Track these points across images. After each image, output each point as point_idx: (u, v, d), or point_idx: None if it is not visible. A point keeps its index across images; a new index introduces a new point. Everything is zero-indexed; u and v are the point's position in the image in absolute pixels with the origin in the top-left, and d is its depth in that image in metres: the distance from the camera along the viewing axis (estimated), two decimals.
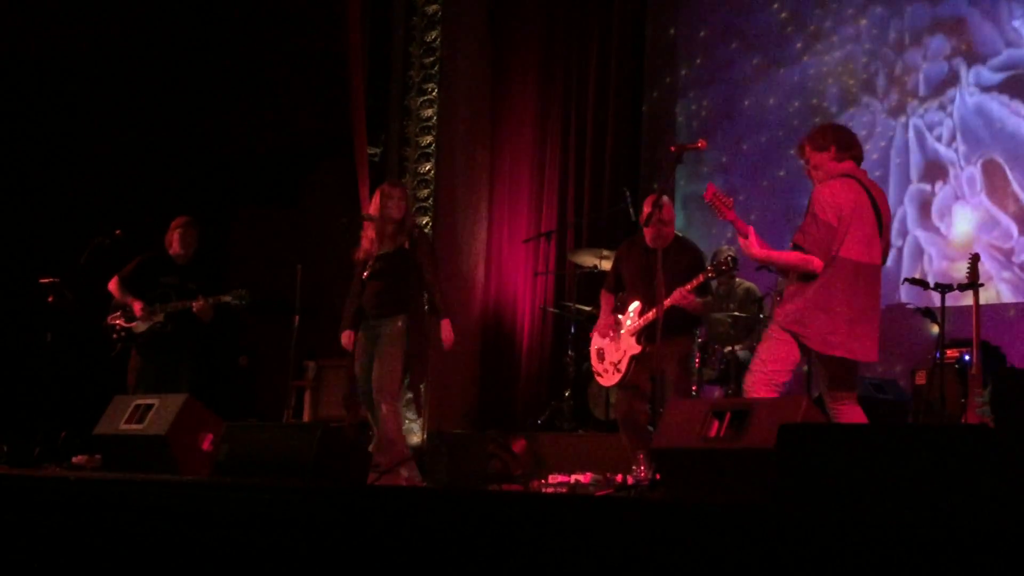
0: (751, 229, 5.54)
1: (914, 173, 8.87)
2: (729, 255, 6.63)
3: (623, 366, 6.73)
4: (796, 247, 5.41)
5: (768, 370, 5.31)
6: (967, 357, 6.89)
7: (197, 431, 6.19)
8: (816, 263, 5.32)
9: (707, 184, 5.79)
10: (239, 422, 6.14)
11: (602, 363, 6.90)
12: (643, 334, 6.62)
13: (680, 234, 6.98)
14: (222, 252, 10.60)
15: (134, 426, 6.28)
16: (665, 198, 6.67)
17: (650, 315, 6.53)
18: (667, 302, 6.30)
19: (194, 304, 7.69)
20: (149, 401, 6.42)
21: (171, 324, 7.77)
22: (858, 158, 5.57)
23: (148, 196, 10.04)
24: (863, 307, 5.36)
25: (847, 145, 5.54)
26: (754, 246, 5.50)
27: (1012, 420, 6.67)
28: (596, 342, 6.99)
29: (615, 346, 6.81)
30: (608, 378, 6.88)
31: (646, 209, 6.66)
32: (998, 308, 8.18)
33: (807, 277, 5.35)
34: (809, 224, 5.37)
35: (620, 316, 6.83)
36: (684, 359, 6.86)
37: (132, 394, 7.45)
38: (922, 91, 8.91)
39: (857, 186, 5.42)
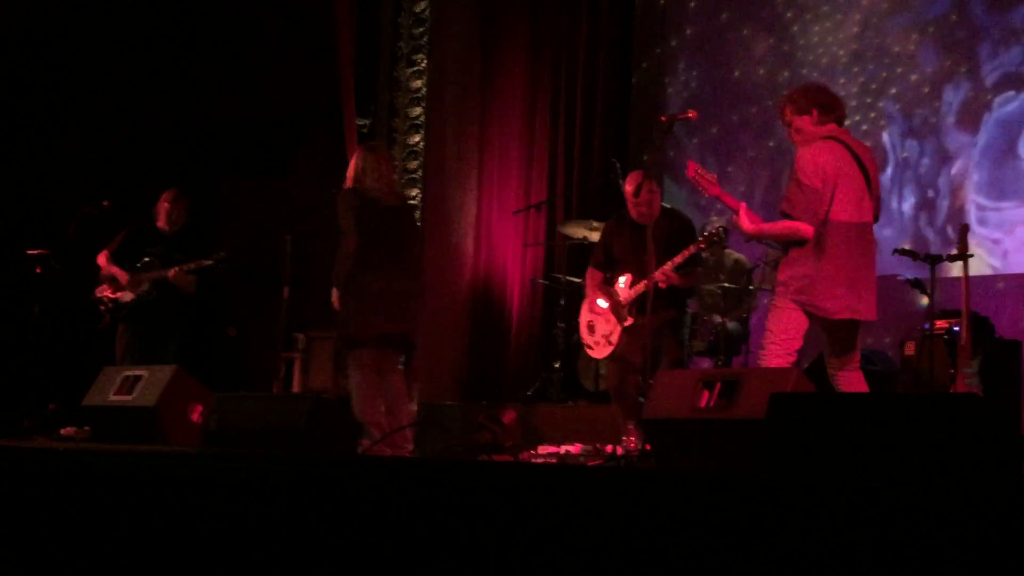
0: (742, 205, 5.54)
1: (900, 145, 8.86)
2: (720, 226, 6.61)
3: (614, 338, 6.74)
4: (783, 215, 5.42)
5: (780, 340, 5.32)
6: (956, 328, 6.90)
7: (186, 402, 6.18)
8: (806, 229, 5.32)
9: (688, 162, 5.79)
10: (229, 393, 6.13)
11: (592, 336, 6.91)
12: (635, 306, 6.62)
13: (668, 205, 6.98)
14: (210, 223, 10.56)
15: (123, 397, 6.28)
16: (648, 180, 6.62)
17: (641, 286, 6.53)
18: (656, 276, 6.29)
19: (169, 272, 7.69)
20: (138, 372, 6.41)
21: (157, 292, 7.77)
22: (840, 119, 5.55)
23: (136, 166, 9.99)
24: (860, 266, 5.37)
25: (829, 107, 5.52)
26: (745, 221, 5.51)
27: (1001, 391, 6.71)
28: (586, 315, 6.99)
29: (606, 318, 6.81)
30: (599, 350, 6.89)
31: (628, 187, 6.66)
32: (987, 279, 8.19)
33: (801, 244, 5.35)
34: (794, 191, 5.36)
35: (612, 288, 6.83)
36: (676, 330, 6.88)
37: (119, 365, 7.45)
38: (907, 62, 8.89)
39: (839, 147, 5.41)
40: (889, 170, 8.83)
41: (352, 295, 6.49)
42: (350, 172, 6.73)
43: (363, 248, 6.47)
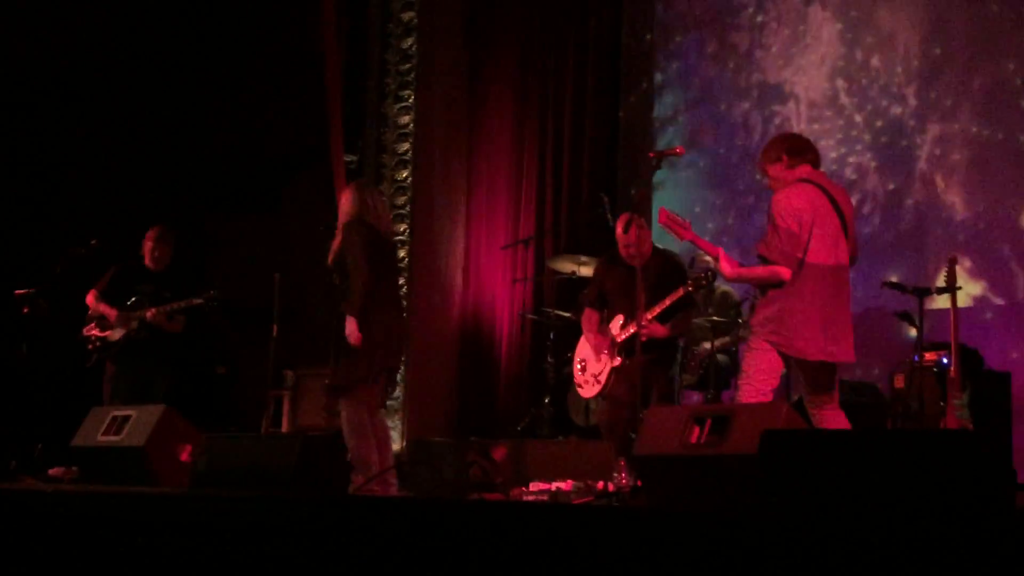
0: (720, 250, 5.61)
1: (890, 176, 8.88)
2: (708, 270, 6.66)
3: (603, 378, 6.75)
4: (760, 257, 5.45)
5: (755, 381, 5.34)
6: (945, 360, 6.91)
7: (175, 442, 6.15)
8: (783, 272, 5.36)
9: (660, 208, 5.85)
10: (217, 433, 6.11)
11: (583, 375, 6.93)
12: (624, 347, 6.64)
13: (660, 246, 7.00)
14: (200, 260, 10.55)
15: (112, 438, 6.25)
16: (639, 219, 6.65)
17: (631, 329, 6.55)
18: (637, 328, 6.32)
19: (147, 313, 7.69)
20: (127, 412, 6.39)
21: (146, 331, 7.75)
22: (814, 162, 5.60)
23: (126, 205, 9.99)
24: (835, 308, 5.39)
25: (799, 151, 5.59)
26: (725, 266, 5.58)
27: (991, 423, 6.72)
28: (580, 354, 7.00)
29: (598, 358, 6.82)
30: (588, 389, 6.90)
31: (619, 227, 6.71)
32: (975, 311, 8.20)
33: (778, 286, 5.38)
34: (770, 234, 5.41)
35: (607, 328, 6.84)
36: (666, 367, 6.89)
37: (107, 404, 7.42)
38: (893, 94, 8.93)
39: (814, 189, 5.46)
40: (874, 203, 8.86)
41: (365, 330, 6.43)
42: (348, 208, 6.68)
43: (373, 282, 6.45)
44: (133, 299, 7.85)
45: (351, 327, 6.37)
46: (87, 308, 7.92)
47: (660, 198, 9.90)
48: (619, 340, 6.71)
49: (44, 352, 7.98)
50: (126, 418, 6.30)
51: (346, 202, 6.74)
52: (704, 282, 6.51)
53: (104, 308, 7.84)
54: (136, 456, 6.03)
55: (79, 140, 10.21)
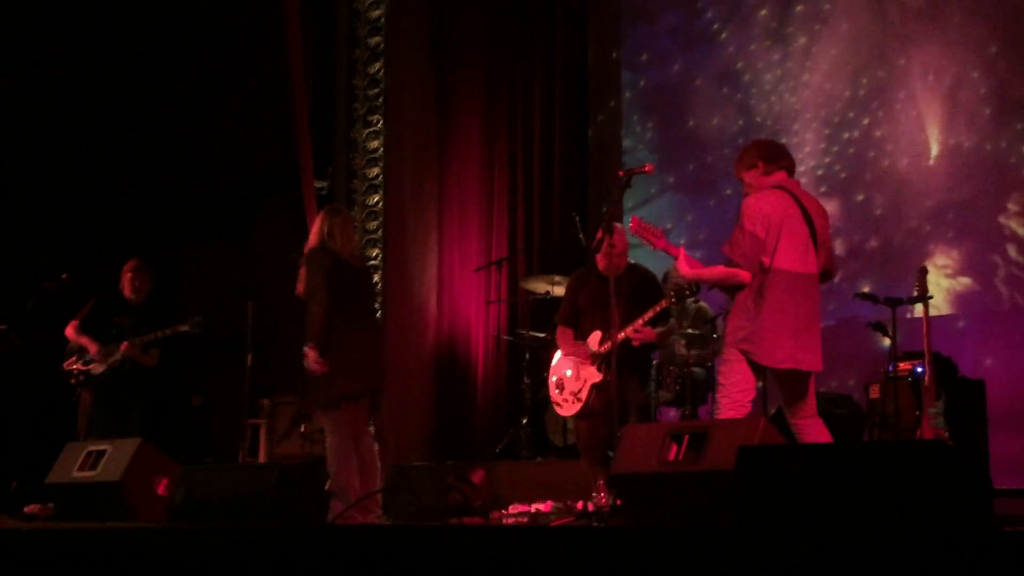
0: (680, 250, 5.63)
1: (858, 187, 8.93)
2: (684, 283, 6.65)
3: (584, 395, 6.72)
4: (725, 259, 5.48)
5: (732, 392, 5.35)
6: (919, 369, 6.94)
7: (152, 476, 6.12)
8: (743, 275, 5.38)
9: (632, 216, 5.86)
10: (194, 465, 6.08)
11: (561, 393, 6.88)
12: (603, 362, 6.63)
13: (633, 261, 7.00)
14: (172, 290, 10.52)
15: (87, 473, 6.21)
16: (619, 226, 6.69)
17: (610, 343, 6.55)
18: (621, 335, 6.32)
19: (120, 347, 7.68)
20: (102, 447, 6.35)
21: (128, 363, 7.75)
22: (789, 168, 5.62)
23: (96, 237, 9.95)
24: (805, 317, 5.40)
25: (774, 157, 5.60)
26: (683, 266, 5.59)
27: (967, 431, 6.74)
28: (555, 373, 6.98)
29: (575, 376, 6.79)
30: (568, 408, 6.86)
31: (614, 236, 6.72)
32: (947, 319, 8.24)
33: (741, 290, 5.39)
34: (736, 236, 5.43)
35: (585, 344, 6.83)
36: (642, 383, 6.90)
37: (83, 438, 7.38)
38: (859, 106, 8.99)
39: (786, 196, 5.47)
40: (845, 213, 8.90)
41: (330, 353, 6.45)
42: (315, 233, 6.73)
43: (335, 307, 6.47)
44: (113, 331, 7.83)
45: (308, 355, 6.40)
46: (60, 343, 7.88)
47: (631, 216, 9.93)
48: (599, 355, 6.68)
49: (17, 388, 7.93)
50: (102, 453, 6.26)
51: (312, 231, 6.78)
52: (687, 293, 6.51)
53: (85, 341, 7.82)
54: (113, 491, 5.99)
55: (48, 173, 10.17)
